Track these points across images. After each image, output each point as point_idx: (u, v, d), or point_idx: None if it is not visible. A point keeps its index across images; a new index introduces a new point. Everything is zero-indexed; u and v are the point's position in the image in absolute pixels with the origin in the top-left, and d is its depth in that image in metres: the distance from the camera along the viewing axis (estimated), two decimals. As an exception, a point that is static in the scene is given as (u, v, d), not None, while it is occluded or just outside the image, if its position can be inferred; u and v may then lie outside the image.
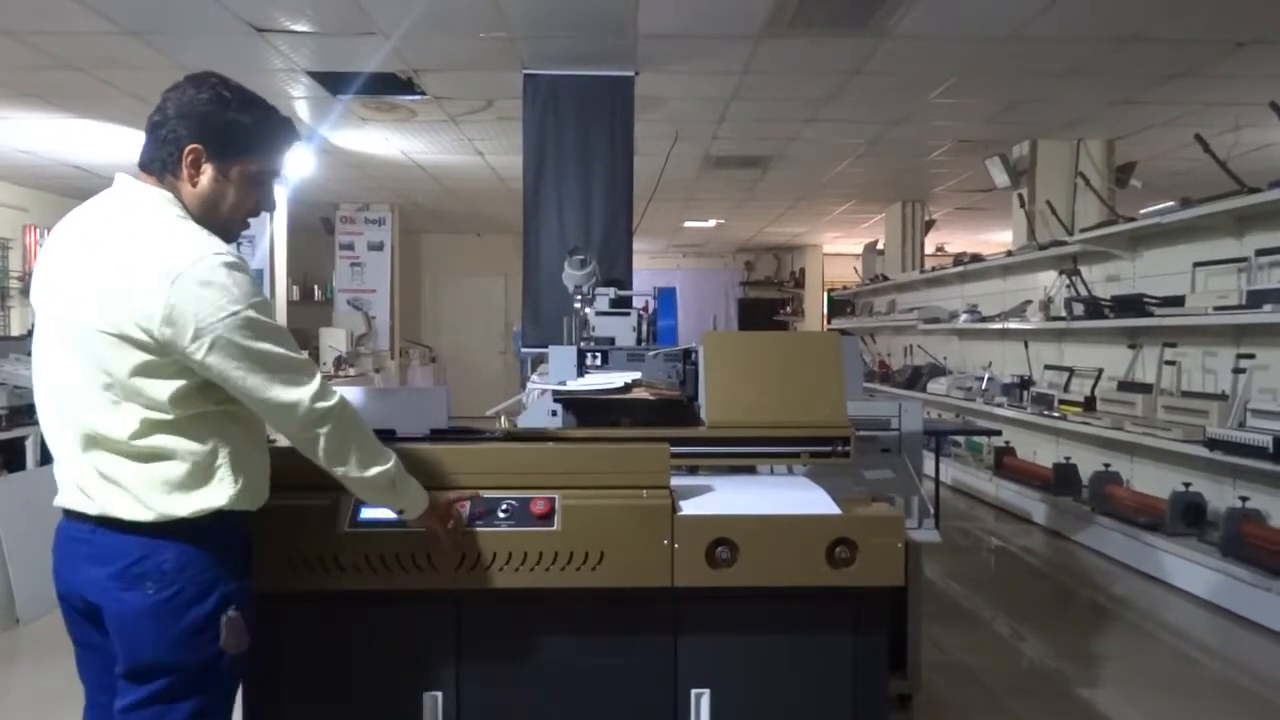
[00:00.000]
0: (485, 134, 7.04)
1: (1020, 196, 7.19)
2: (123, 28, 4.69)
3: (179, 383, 1.60)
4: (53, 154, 7.69)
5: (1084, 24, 4.57)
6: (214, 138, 1.68)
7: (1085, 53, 5.01)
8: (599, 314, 3.35)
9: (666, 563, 1.93)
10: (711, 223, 11.92)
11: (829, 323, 13.54)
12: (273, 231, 8.61)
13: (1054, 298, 6.65)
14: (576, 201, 5.29)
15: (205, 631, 1.63)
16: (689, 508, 1.99)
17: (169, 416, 1.61)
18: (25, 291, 8.11)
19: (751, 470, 2.44)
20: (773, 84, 5.65)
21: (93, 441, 1.62)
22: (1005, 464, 7.09)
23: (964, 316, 7.94)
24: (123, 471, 1.61)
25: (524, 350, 5.26)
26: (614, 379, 2.39)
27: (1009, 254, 7.43)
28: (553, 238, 5.26)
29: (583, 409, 2.44)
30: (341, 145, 7.54)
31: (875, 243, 11.71)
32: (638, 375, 2.43)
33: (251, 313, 1.59)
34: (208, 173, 1.69)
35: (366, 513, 1.92)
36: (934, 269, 9.44)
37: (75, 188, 8.83)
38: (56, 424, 1.67)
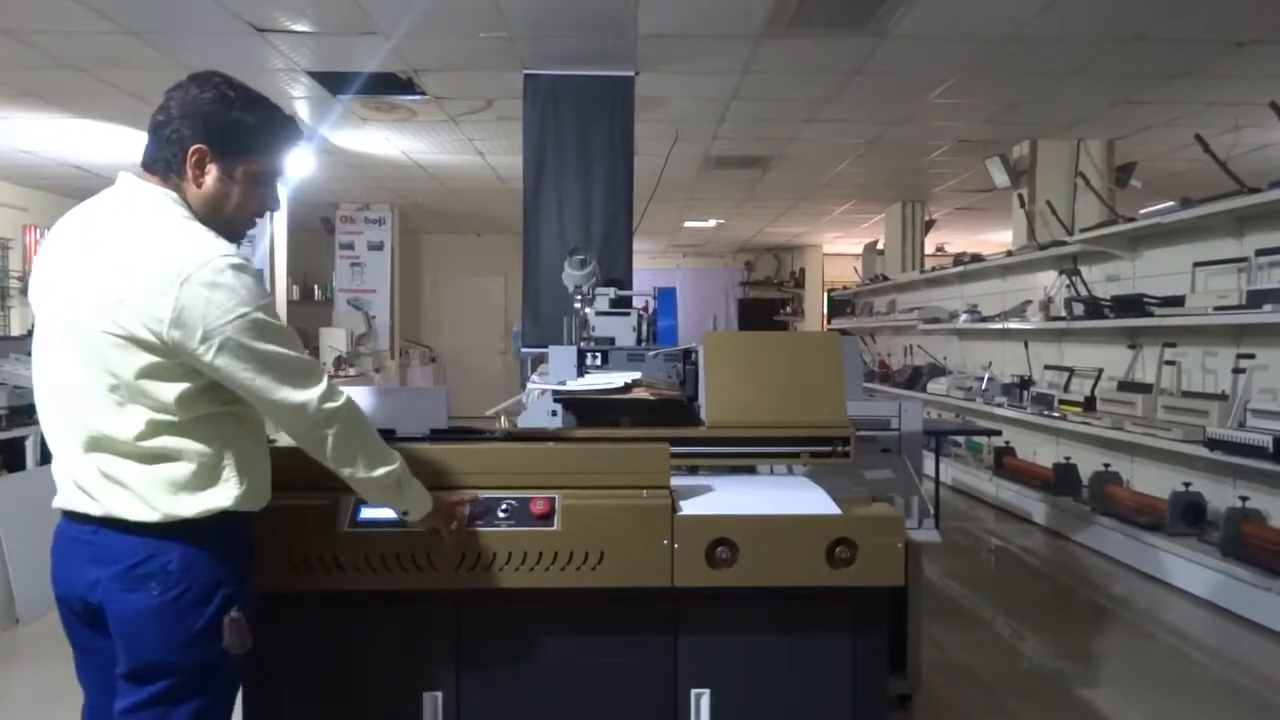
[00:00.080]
0: (485, 134, 7.04)
1: (1020, 196, 7.19)
2: (123, 28, 4.69)
3: (185, 384, 1.60)
4: (53, 154, 7.69)
5: (1084, 24, 4.57)
6: (218, 137, 1.67)
7: (1085, 53, 5.01)
8: (599, 314, 3.34)
9: (666, 563, 1.93)
10: (711, 223, 11.92)
11: (829, 323, 13.54)
12: (273, 231, 8.61)
13: (1054, 298, 6.65)
14: (576, 201, 5.29)
15: (209, 632, 1.63)
16: (689, 508, 1.99)
17: (175, 418, 1.60)
18: (25, 291, 8.10)
19: (751, 470, 2.44)
20: (773, 84, 5.65)
21: (96, 442, 1.61)
22: (1005, 464, 7.09)
23: (964, 316, 7.94)
24: (127, 472, 1.60)
25: (524, 350, 5.26)
26: (614, 379, 2.39)
27: (1009, 254, 7.43)
28: (553, 238, 5.26)
29: (583, 409, 2.44)
30: (341, 145, 7.54)
31: (875, 243, 11.71)
32: (638, 375, 2.43)
33: (259, 315, 1.59)
34: (212, 173, 1.69)
35: (366, 513, 1.92)
36: (934, 269, 9.44)
37: (75, 188, 8.83)
38: (57, 424, 1.67)
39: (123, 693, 1.63)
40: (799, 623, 2.01)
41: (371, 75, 5.47)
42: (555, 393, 2.45)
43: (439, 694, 1.97)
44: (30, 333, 1.74)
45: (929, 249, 11.02)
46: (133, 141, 6.69)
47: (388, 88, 5.74)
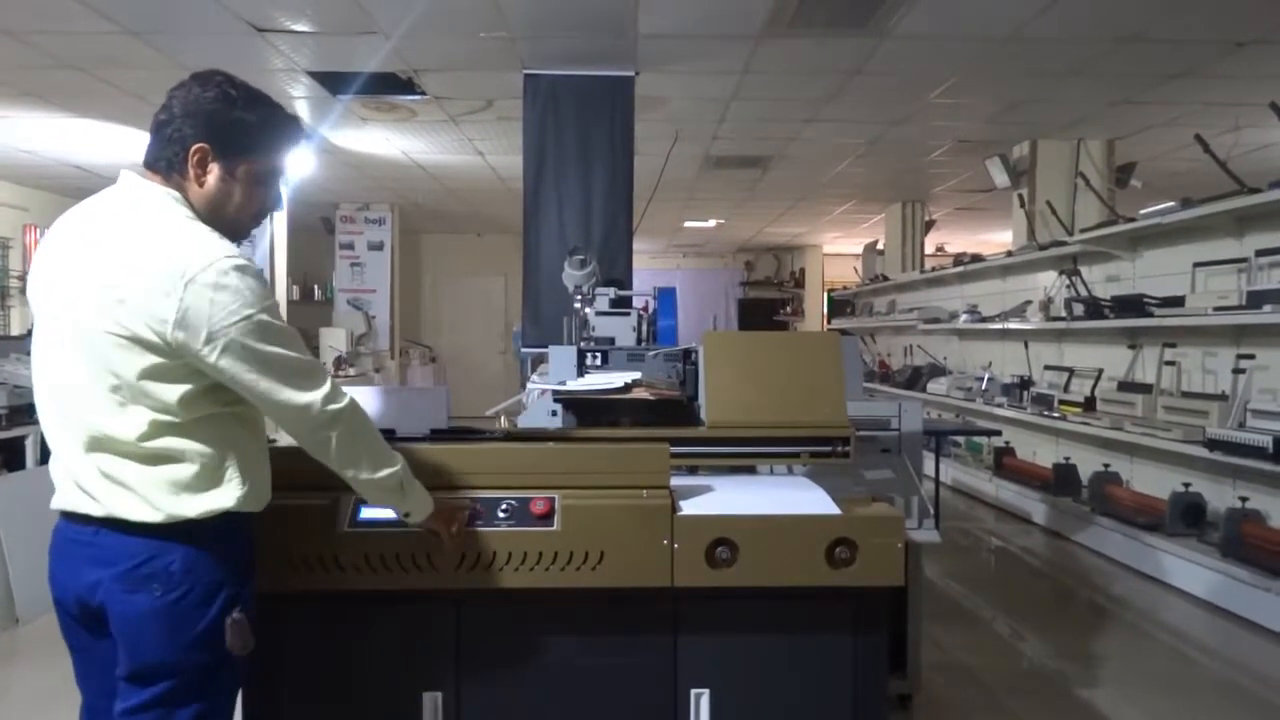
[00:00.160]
0: (485, 134, 7.04)
1: (1020, 196, 7.19)
2: (123, 27, 4.69)
3: (188, 386, 1.60)
4: (53, 154, 7.69)
5: (1084, 24, 4.57)
6: (220, 137, 1.67)
7: (1085, 53, 5.01)
8: (599, 314, 3.34)
9: (666, 563, 1.93)
10: (711, 223, 11.92)
11: (829, 323, 13.54)
12: (273, 231, 8.61)
13: (1054, 298, 6.65)
14: (576, 201, 5.29)
15: (211, 634, 1.62)
16: (689, 508, 1.99)
17: (177, 419, 1.60)
18: (25, 290, 8.10)
19: (751, 470, 2.44)
20: (773, 84, 5.65)
21: (97, 443, 1.60)
22: (1005, 464, 7.09)
23: (964, 316, 7.94)
24: (129, 473, 1.60)
25: (524, 350, 5.26)
26: (614, 379, 2.39)
27: (1009, 254, 7.43)
28: (553, 238, 5.26)
29: (583, 409, 2.44)
30: (341, 145, 7.54)
31: (875, 243, 11.72)
32: (638, 375, 2.43)
33: (264, 316, 1.59)
34: (214, 172, 1.68)
35: (366, 513, 1.92)
36: (934, 269, 9.44)
37: (75, 188, 8.83)
38: (57, 424, 1.66)
39: (123, 694, 1.62)
40: (799, 623, 2.01)
41: (371, 75, 5.47)
42: (555, 393, 2.45)
43: (439, 694, 1.97)
44: (30, 332, 1.73)
45: (929, 249, 11.02)
46: (133, 141, 6.69)
47: (388, 88, 5.74)
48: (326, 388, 1.66)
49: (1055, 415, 6.19)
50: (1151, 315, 5.25)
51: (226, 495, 1.64)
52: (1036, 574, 5.58)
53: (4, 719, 3.39)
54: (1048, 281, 6.88)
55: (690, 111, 6.30)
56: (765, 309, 14.92)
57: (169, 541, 1.60)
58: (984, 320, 7.71)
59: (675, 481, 2.05)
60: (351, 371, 10.13)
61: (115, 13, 4.49)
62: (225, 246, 1.61)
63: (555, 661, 1.99)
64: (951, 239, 12.98)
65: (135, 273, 1.56)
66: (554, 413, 2.50)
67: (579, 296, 3.41)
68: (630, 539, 1.94)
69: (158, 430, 1.59)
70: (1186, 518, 5.03)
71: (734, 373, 2.30)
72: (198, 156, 1.66)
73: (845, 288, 12.86)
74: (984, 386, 7.36)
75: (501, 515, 1.94)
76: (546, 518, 1.94)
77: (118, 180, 1.71)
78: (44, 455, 1.74)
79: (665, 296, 3.70)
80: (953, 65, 5.28)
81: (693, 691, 2.00)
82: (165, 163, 1.67)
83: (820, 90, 5.79)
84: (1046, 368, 6.82)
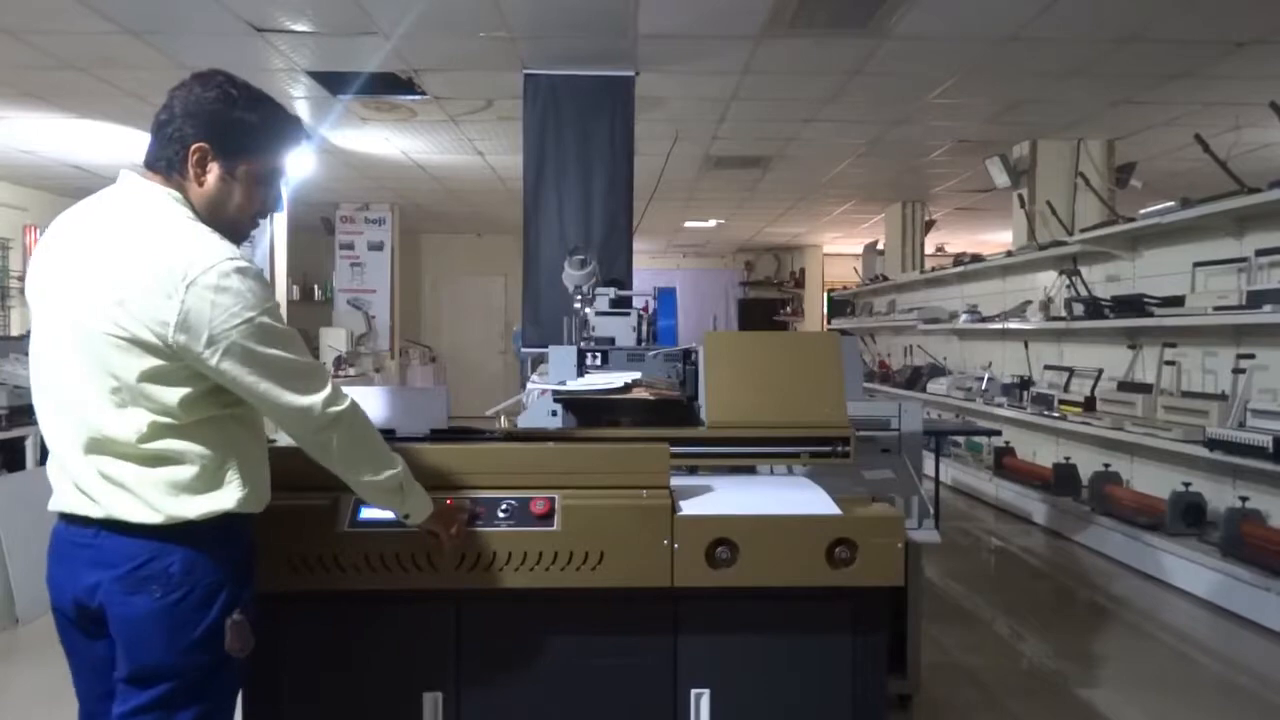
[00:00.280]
0: (485, 134, 7.04)
1: (1020, 196, 7.19)
2: (123, 27, 4.69)
3: (188, 388, 1.59)
4: (53, 154, 7.69)
5: (1084, 24, 4.57)
6: (220, 136, 1.66)
7: (1085, 53, 5.01)
8: (599, 314, 3.35)
9: (666, 563, 1.93)
10: (711, 223, 11.92)
11: (829, 323, 13.54)
12: (273, 231, 8.60)
13: (1054, 298, 6.65)
14: (576, 201, 5.29)
15: (211, 635, 1.62)
16: (689, 508, 1.99)
17: (177, 420, 1.59)
18: (25, 290, 8.10)
19: (751, 470, 2.44)
20: (773, 84, 5.65)
21: (96, 444, 1.60)
22: (1005, 464, 7.09)
23: (964, 317, 7.94)
24: (128, 474, 1.59)
25: (524, 350, 5.25)
26: (614, 379, 2.39)
27: (1009, 254, 7.43)
28: (553, 238, 5.26)
29: (583, 409, 2.44)
30: (341, 145, 7.54)
31: (875, 243, 11.72)
32: (638, 375, 2.43)
33: (265, 319, 1.58)
34: (214, 172, 1.67)
35: (366, 513, 1.92)
36: (934, 269, 9.44)
37: (75, 188, 8.82)
38: (55, 424, 1.65)
39: (123, 696, 1.62)
40: (799, 623, 2.01)
41: (371, 75, 5.47)
42: (555, 393, 2.45)
43: (439, 694, 1.97)
44: (30, 332, 1.72)
45: (929, 249, 11.02)
46: (133, 141, 6.70)
47: (388, 88, 5.74)
48: (327, 390, 1.66)
49: (1055, 415, 6.19)
50: (1151, 315, 5.25)
51: (227, 497, 1.63)
52: (1036, 574, 5.58)
53: (4, 719, 3.39)
54: (1048, 281, 6.88)
55: (690, 111, 6.30)
56: (765, 309, 14.92)
57: (169, 543, 1.60)
58: (984, 320, 7.71)
59: (675, 481, 2.05)
60: (351, 371, 10.13)
61: (115, 12, 4.49)
62: (226, 248, 1.60)
63: (555, 661, 1.99)
64: (951, 239, 12.98)
65: (135, 274, 1.55)
66: (554, 413, 2.50)
67: (579, 296, 3.41)
68: (630, 539, 1.93)
69: (157, 432, 1.59)
70: (1187, 517, 5.03)
71: (734, 373, 2.30)
72: (197, 156, 1.65)
73: (845, 288, 12.87)
74: (984, 386, 7.36)
75: (501, 515, 1.94)
76: (546, 518, 1.94)
77: (117, 180, 1.70)
78: (44, 456, 1.73)
79: (665, 296, 3.70)
80: (953, 65, 5.28)
81: (693, 691, 2.00)
82: (165, 162, 1.67)
83: (820, 90, 5.79)
84: (1046, 368, 6.82)
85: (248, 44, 4.90)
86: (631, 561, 1.93)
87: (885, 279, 10.57)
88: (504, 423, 2.77)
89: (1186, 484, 5.09)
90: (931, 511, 3.21)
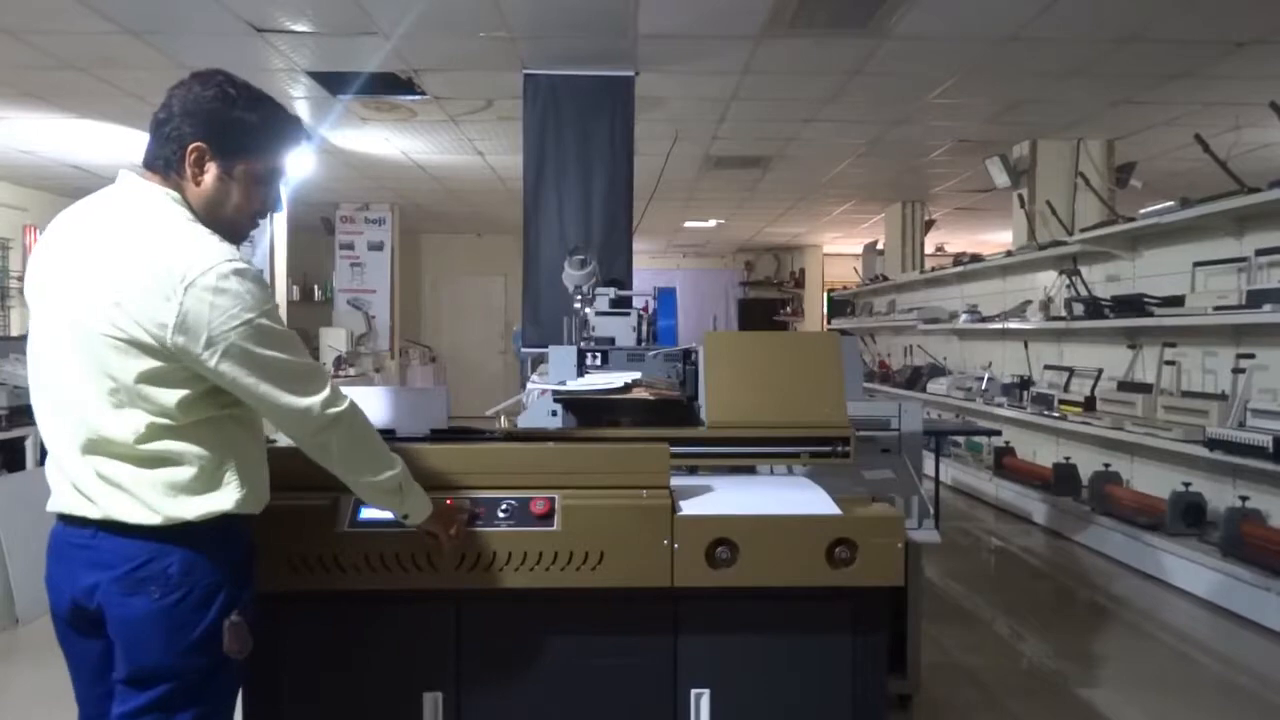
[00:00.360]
0: (485, 134, 7.04)
1: (1020, 196, 7.19)
2: (123, 27, 4.69)
3: (187, 390, 1.59)
4: (53, 154, 7.69)
5: (1084, 24, 4.57)
6: (218, 136, 1.66)
7: (1085, 53, 5.01)
8: (599, 314, 3.35)
9: (666, 563, 1.93)
10: (711, 223, 11.92)
11: (829, 323, 13.54)
12: (273, 232, 8.61)
13: (1054, 298, 6.65)
14: (576, 201, 5.29)
15: (209, 636, 1.61)
16: (689, 508, 1.99)
17: (176, 421, 1.59)
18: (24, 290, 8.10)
19: (751, 470, 2.44)
20: (773, 84, 5.65)
21: (94, 445, 1.59)
22: (1005, 464, 7.09)
23: (964, 316, 7.94)
24: (126, 475, 1.59)
25: (524, 350, 5.26)
26: (614, 379, 2.39)
27: (1009, 254, 7.43)
28: (553, 238, 5.26)
29: (583, 409, 2.44)
30: (341, 145, 7.54)
31: (875, 243, 11.72)
32: (638, 375, 2.43)
33: (264, 321, 1.58)
34: (211, 171, 1.67)
35: (366, 513, 1.92)
36: (934, 269, 9.44)
37: (75, 188, 8.82)
38: (53, 425, 1.65)
39: (121, 697, 1.61)
40: (799, 623, 2.01)
41: (371, 75, 5.47)
42: (555, 393, 2.45)
43: (439, 694, 1.97)
44: (29, 332, 1.72)
45: (929, 249, 11.02)
46: (133, 141, 6.69)
47: (388, 88, 5.74)
48: (326, 392, 1.66)
49: (1055, 415, 6.19)
50: (1151, 315, 5.25)
51: (225, 498, 1.63)
52: (1036, 574, 5.58)
53: (4, 718, 3.38)
54: (1048, 281, 6.88)
55: (690, 111, 6.30)
56: (765, 309, 14.92)
57: (167, 544, 1.59)
58: (984, 320, 7.71)
59: (675, 481, 2.05)
60: (351, 371, 10.13)
61: (115, 12, 4.49)
62: (225, 249, 1.60)
63: (555, 661, 1.99)
64: (951, 239, 12.98)
65: (133, 275, 1.55)
66: (554, 413, 2.50)
67: (579, 296, 3.41)
68: (630, 539, 1.93)
69: (155, 433, 1.58)
70: (1187, 517, 5.03)
71: (734, 373, 2.30)
72: (194, 155, 1.65)
73: (845, 288, 12.87)
74: (984, 386, 7.36)
75: (501, 515, 1.94)
76: (546, 518, 1.94)
77: (116, 179, 1.70)
78: (43, 456, 1.73)
79: (665, 296, 3.70)
80: (953, 65, 5.28)
81: (693, 691, 2.00)
82: (163, 162, 1.66)
83: (820, 90, 5.79)
84: (1046, 367, 6.82)
85: (248, 44, 4.90)
86: (631, 561, 1.93)
87: (885, 279, 10.57)
88: (504, 423, 2.77)
89: (1186, 484, 5.09)
90: (931, 511, 3.21)
